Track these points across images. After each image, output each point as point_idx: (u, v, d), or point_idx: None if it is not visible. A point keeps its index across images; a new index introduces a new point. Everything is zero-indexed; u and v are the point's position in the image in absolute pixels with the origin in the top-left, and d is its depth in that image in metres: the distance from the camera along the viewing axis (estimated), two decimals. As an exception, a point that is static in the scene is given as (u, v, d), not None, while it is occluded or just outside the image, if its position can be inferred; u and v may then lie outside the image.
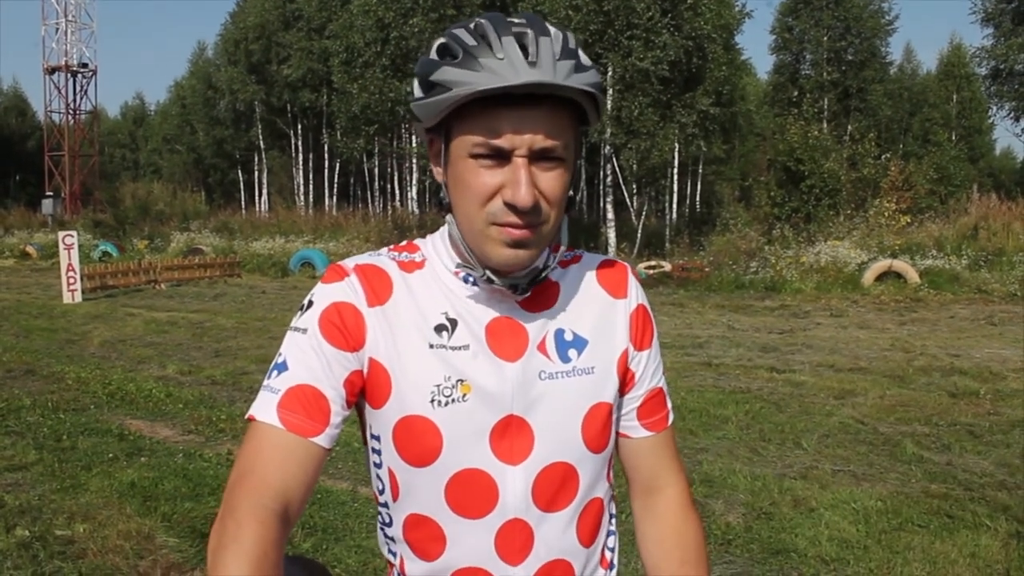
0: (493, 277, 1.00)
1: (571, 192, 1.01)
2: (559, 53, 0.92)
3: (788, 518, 4.09)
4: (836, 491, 4.44)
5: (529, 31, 0.92)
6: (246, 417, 1.00)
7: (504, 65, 0.90)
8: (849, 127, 32.89)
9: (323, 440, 0.97)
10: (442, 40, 0.97)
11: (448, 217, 1.02)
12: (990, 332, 10.38)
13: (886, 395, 6.76)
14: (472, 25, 0.95)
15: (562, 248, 1.08)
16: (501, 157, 0.94)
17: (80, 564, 3.54)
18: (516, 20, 0.94)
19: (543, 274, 1.03)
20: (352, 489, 4.50)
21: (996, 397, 6.64)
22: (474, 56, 0.91)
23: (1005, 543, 3.73)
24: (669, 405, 1.17)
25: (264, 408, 0.97)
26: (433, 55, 0.96)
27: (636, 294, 1.13)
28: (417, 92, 0.99)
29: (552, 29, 0.94)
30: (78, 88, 45.05)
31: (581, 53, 0.96)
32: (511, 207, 0.94)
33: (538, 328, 1.05)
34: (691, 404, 6.37)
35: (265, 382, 1.00)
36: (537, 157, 0.94)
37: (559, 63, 0.91)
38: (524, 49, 0.91)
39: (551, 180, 0.96)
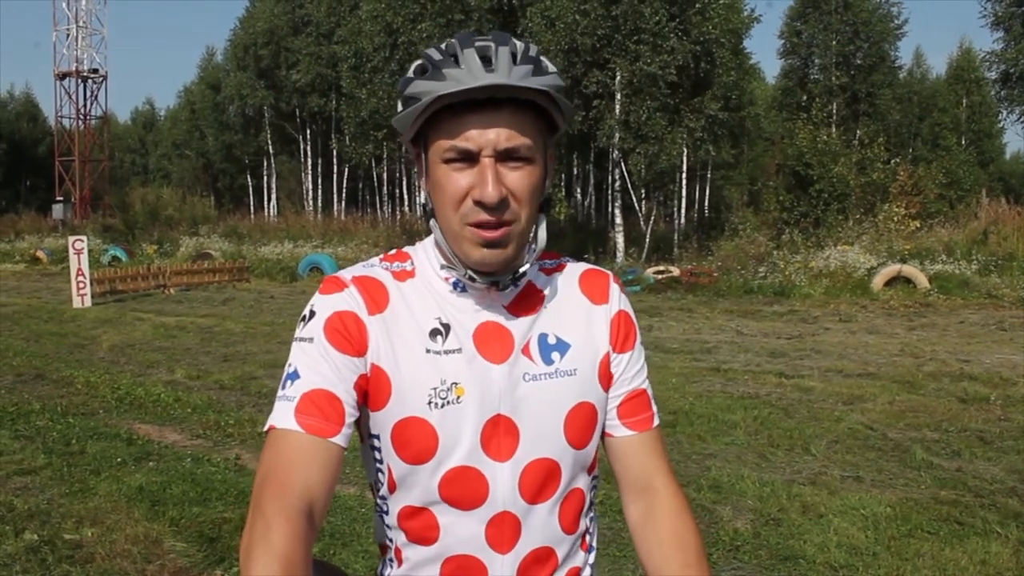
0: (475, 275, 1.07)
1: (548, 192, 1.10)
2: (518, 59, 1.02)
3: (797, 524, 4.07)
4: (845, 497, 4.42)
5: (492, 44, 1.02)
6: (265, 429, 1.04)
7: (463, 73, 1.00)
8: (858, 131, 32.77)
9: (340, 440, 1.03)
10: (419, 60, 1.07)
11: (432, 222, 1.10)
12: (1000, 337, 10.33)
13: (895, 400, 6.72)
14: (444, 45, 1.05)
15: (539, 247, 1.12)
16: (470, 159, 1.02)
17: (88, 568, 3.56)
18: (483, 36, 1.04)
19: (521, 271, 1.10)
20: (360, 494, 4.50)
21: (1006, 403, 6.60)
22: (439, 68, 1.01)
23: (1016, 550, 3.71)
24: (654, 408, 1.22)
25: (282, 416, 1.02)
26: (410, 73, 1.06)
27: (617, 300, 1.20)
28: (398, 109, 1.08)
29: (516, 41, 1.04)
30: (88, 93, 45.30)
31: (544, 60, 1.05)
32: (480, 204, 1.02)
33: (523, 332, 1.12)
34: (699, 409, 6.35)
35: (280, 393, 1.05)
36: (504, 157, 1.02)
37: (516, 68, 1.00)
38: (484, 58, 1.00)
39: (518, 179, 1.04)
